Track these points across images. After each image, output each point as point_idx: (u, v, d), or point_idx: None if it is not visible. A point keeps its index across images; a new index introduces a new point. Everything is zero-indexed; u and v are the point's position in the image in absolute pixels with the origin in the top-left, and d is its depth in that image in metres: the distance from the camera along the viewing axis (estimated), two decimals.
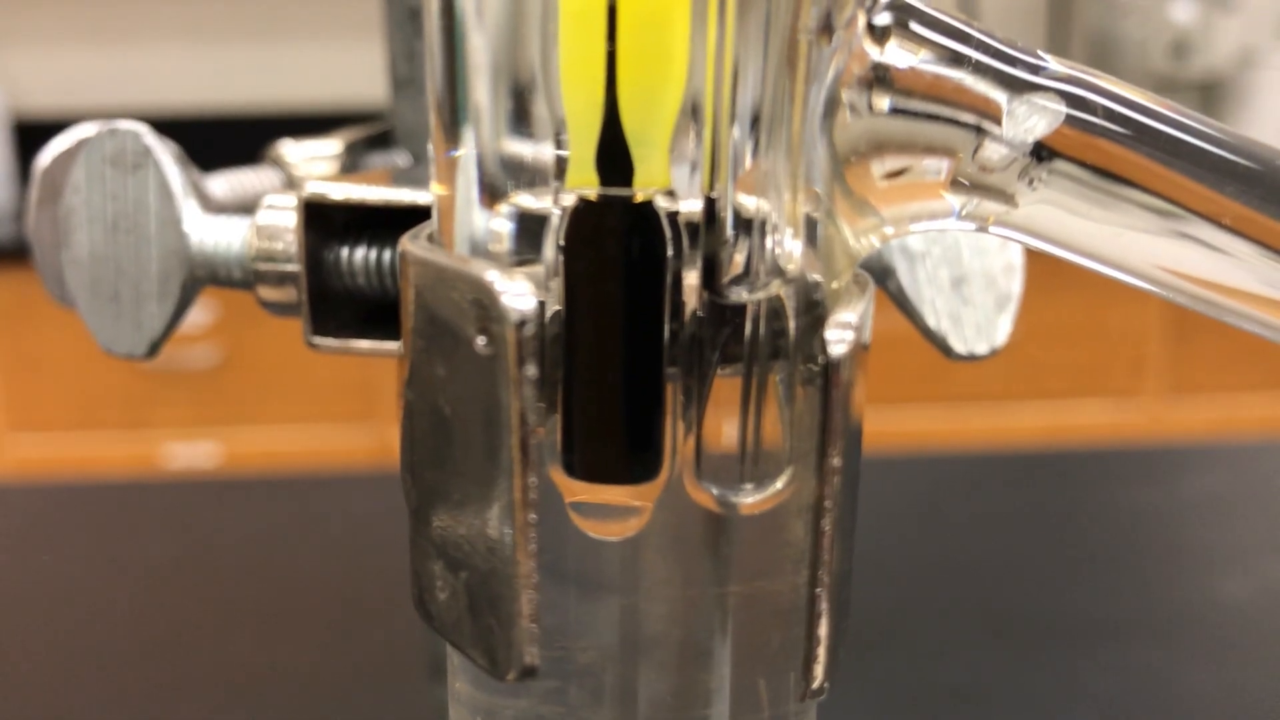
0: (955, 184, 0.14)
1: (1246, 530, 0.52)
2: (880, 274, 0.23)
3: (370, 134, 0.29)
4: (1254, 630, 0.42)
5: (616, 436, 0.14)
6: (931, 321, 0.22)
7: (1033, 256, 0.23)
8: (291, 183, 0.27)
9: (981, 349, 0.22)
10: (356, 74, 1.34)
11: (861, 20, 0.14)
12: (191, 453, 1.45)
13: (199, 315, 1.39)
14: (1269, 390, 1.53)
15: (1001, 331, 0.22)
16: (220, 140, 0.73)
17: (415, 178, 0.22)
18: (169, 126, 0.24)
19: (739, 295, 0.14)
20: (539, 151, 0.14)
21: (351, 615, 0.44)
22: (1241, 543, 0.50)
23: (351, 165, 0.28)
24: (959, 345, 0.22)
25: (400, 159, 0.29)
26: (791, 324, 0.14)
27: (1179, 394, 1.53)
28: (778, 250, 0.14)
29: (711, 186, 0.13)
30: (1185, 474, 0.58)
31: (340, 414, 1.46)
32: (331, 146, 0.28)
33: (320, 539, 0.52)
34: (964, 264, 0.22)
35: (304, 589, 0.46)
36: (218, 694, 0.39)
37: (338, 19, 1.64)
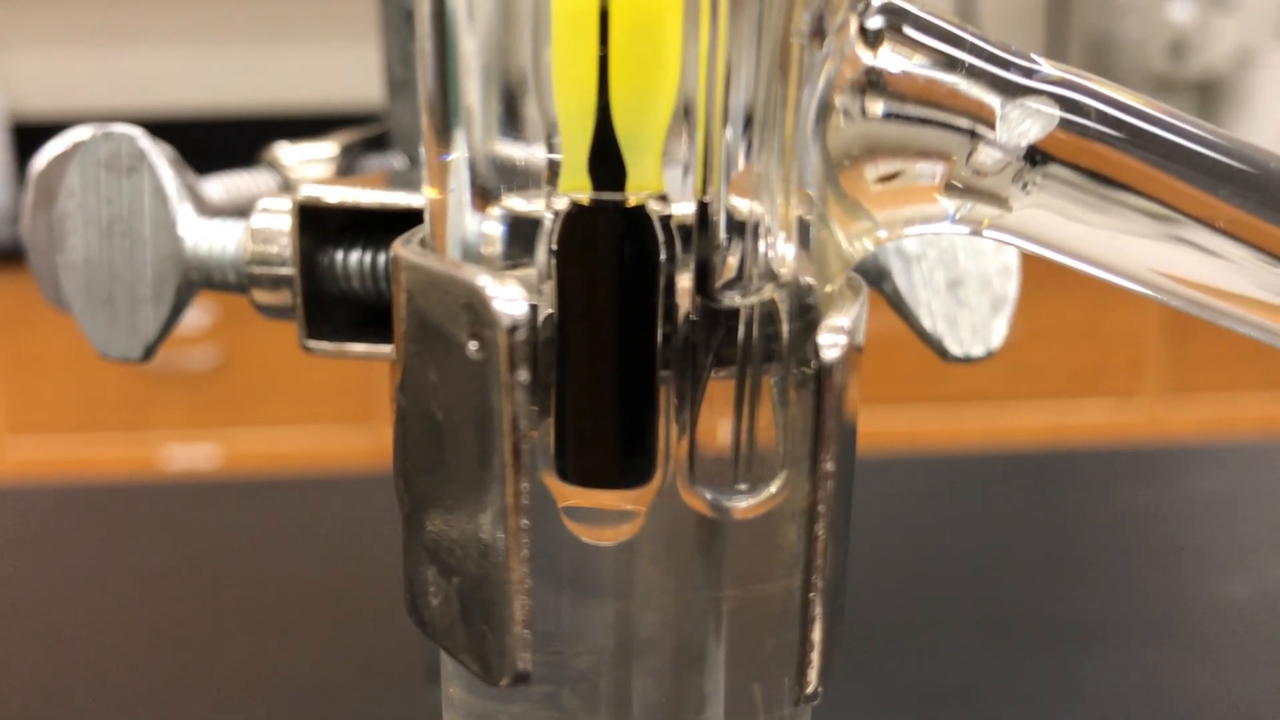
0: (949, 188, 0.14)
1: (1246, 530, 0.52)
2: (876, 276, 0.23)
3: (366, 136, 0.29)
4: (1254, 630, 0.42)
5: (609, 441, 0.14)
6: (927, 324, 0.22)
7: (1031, 256, 0.23)
8: (287, 185, 0.27)
9: (977, 351, 0.22)
10: (353, 77, 1.34)
11: (854, 24, 0.14)
12: (190, 454, 1.45)
13: (198, 317, 1.39)
14: (1268, 390, 1.52)
15: (997, 334, 0.22)
16: (217, 143, 0.73)
17: (411, 180, 0.22)
18: (166, 128, 0.24)
19: (732, 299, 0.14)
20: (531, 155, 0.14)
21: (349, 617, 0.44)
22: (1241, 543, 0.50)
23: (347, 168, 0.28)
24: (955, 347, 0.22)
25: (396, 161, 0.29)
26: (784, 328, 0.14)
27: (1178, 394, 1.53)
28: (771, 254, 0.14)
29: (704, 190, 0.13)
30: (1184, 474, 0.58)
31: (339, 415, 1.46)
32: (327, 149, 0.28)
33: (319, 540, 0.51)
34: (960, 266, 0.22)
35: (302, 591, 0.46)
36: (216, 695, 0.39)
37: (334, 22, 1.64)
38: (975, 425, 1.49)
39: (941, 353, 0.22)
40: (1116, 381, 1.53)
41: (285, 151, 0.27)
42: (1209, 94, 1.59)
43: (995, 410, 1.50)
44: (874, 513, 0.51)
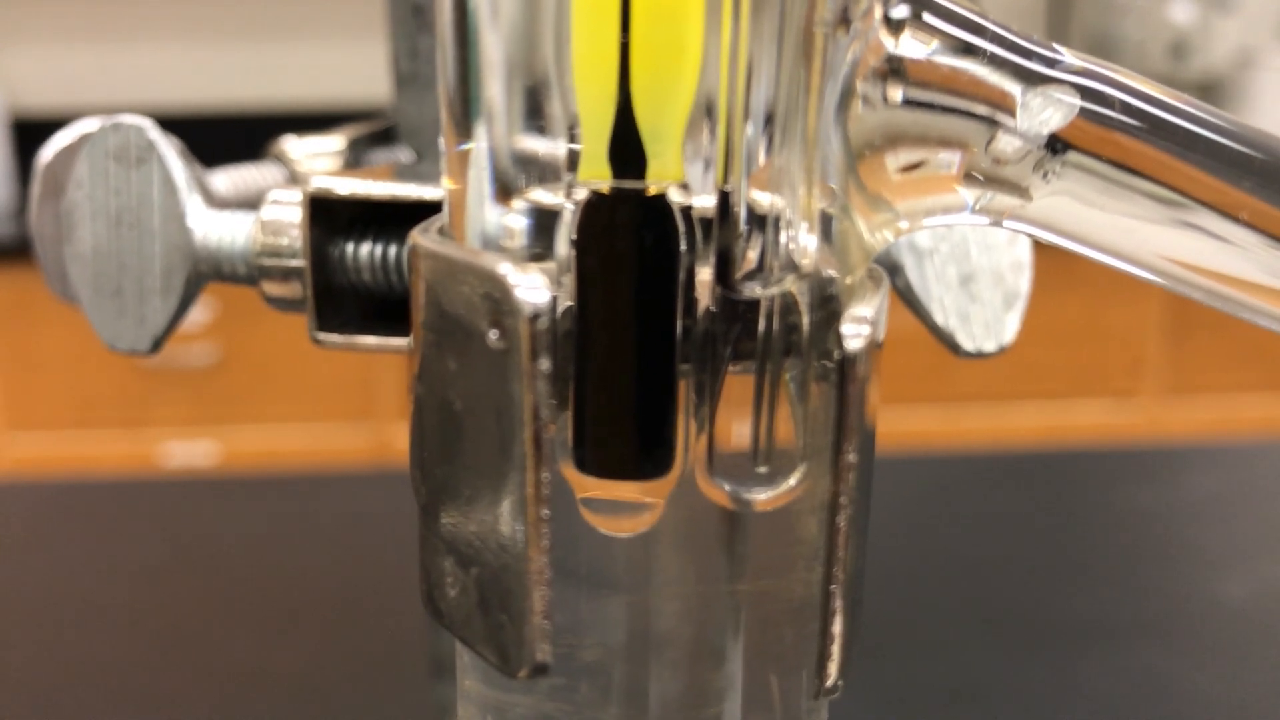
0: (969, 178, 0.14)
1: (1246, 530, 0.52)
2: (888, 270, 0.23)
3: (373, 130, 0.29)
4: (1254, 630, 0.42)
5: (628, 432, 0.14)
6: (939, 319, 0.22)
7: (1034, 254, 0.23)
8: (294, 179, 0.27)
9: (989, 347, 0.22)
10: (359, 71, 1.34)
11: (878, 11, 0.13)
12: (189, 451, 1.45)
13: (197, 313, 1.39)
14: (1267, 390, 1.53)
15: (1010, 329, 0.22)
16: (221, 139, 0.73)
17: (419, 174, 0.22)
18: (170, 124, 0.24)
19: (752, 290, 0.14)
20: (552, 146, 0.14)
21: (350, 614, 0.44)
22: (1241, 543, 0.50)
23: (354, 161, 0.28)
24: (967, 343, 0.22)
25: (404, 155, 0.29)
26: (805, 319, 0.14)
27: (1177, 394, 1.53)
28: (792, 245, 0.14)
29: (725, 180, 0.13)
30: (1184, 474, 0.58)
31: (339, 413, 1.46)
32: (334, 143, 0.28)
33: (318, 538, 0.51)
34: (972, 261, 0.22)
35: (302, 588, 0.46)
36: (216, 693, 0.39)
37: (340, 17, 1.64)
38: (975, 425, 1.49)
39: (954, 348, 0.22)
40: (1116, 382, 1.53)
41: (292, 145, 0.27)
42: (1209, 95, 1.59)
43: (995, 410, 1.50)
44: (874, 512, 0.51)
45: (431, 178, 0.21)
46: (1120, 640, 0.41)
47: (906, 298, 0.23)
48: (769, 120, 0.13)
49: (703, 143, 0.13)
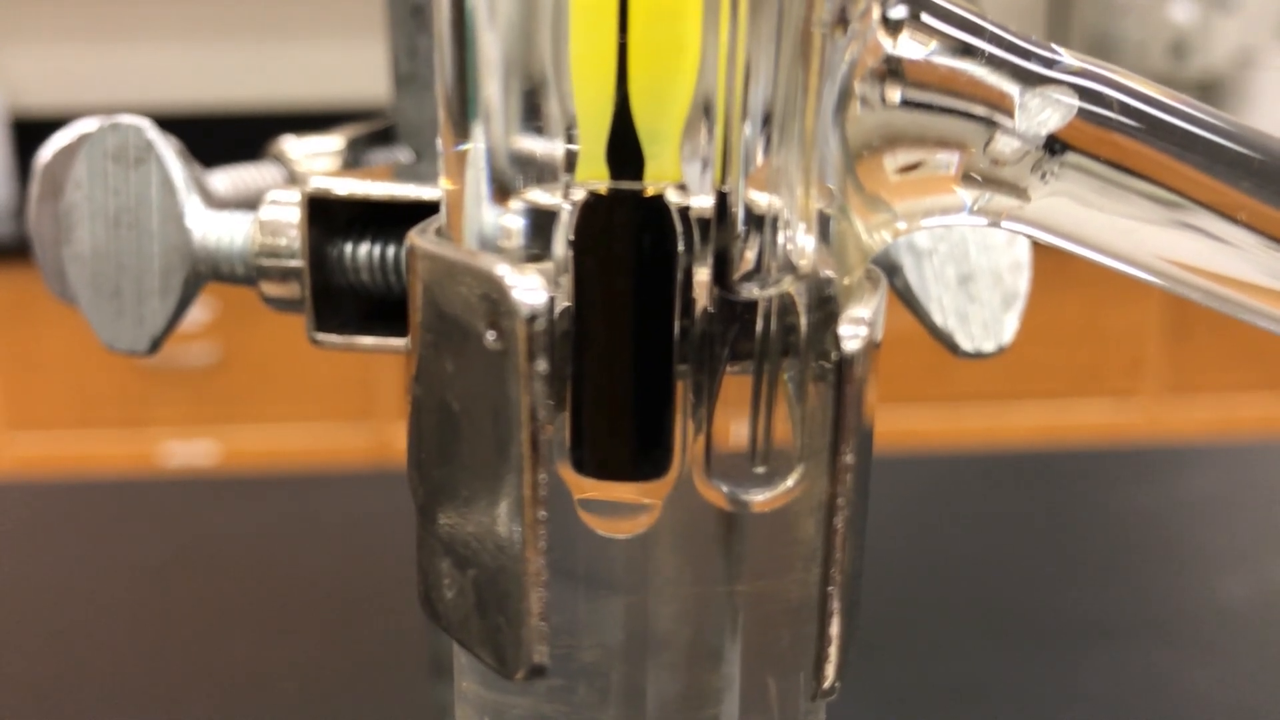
0: (967, 178, 0.14)
1: (1245, 530, 0.52)
2: (887, 271, 0.23)
3: (372, 130, 0.29)
4: (1254, 630, 0.42)
5: (626, 433, 0.14)
6: (938, 319, 0.22)
7: (1033, 255, 0.23)
8: (293, 178, 0.27)
9: (988, 347, 0.22)
10: (359, 71, 1.34)
11: (876, 12, 0.13)
12: (189, 451, 1.45)
13: (197, 313, 1.39)
14: (1267, 390, 1.53)
15: (1008, 329, 0.22)
16: (220, 139, 0.73)
17: (418, 174, 0.22)
18: (169, 124, 0.24)
19: (750, 291, 0.14)
20: (549, 146, 0.14)
21: (350, 614, 0.44)
22: (1240, 543, 0.50)
23: (353, 161, 0.28)
24: (966, 343, 0.22)
25: (402, 155, 0.29)
26: (803, 320, 0.14)
27: (1177, 394, 1.53)
28: (790, 246, 0.14)
29: (723, 181, 0.13)
30: (1183, 474, 0.58)
31: (339, 413, 1.46)
32: (333, 142, 0.28)
33: (318, 538, 0.51)
34: (971, 261, 0.22)
35: (302, 588, 0.46)
36: (216, 693, 0.39)
37: (340, 17, 1.64)
38: (975, 425, 1.49)
39: (953, 348, 0.22)
40: (1116, 381, 1.53)
41: (291, 145, 0.27)
42: (1209, 94, 1.59)
43: (995, 410, 1.50)
44: (874, 512, 0.51)
45: (430, 178, 0.21)
46: (1120, 640, 0.41)
47: (905, 298, 0.22)
48: (767, 121, 0.13)
49: (700, 143, 0.13)
